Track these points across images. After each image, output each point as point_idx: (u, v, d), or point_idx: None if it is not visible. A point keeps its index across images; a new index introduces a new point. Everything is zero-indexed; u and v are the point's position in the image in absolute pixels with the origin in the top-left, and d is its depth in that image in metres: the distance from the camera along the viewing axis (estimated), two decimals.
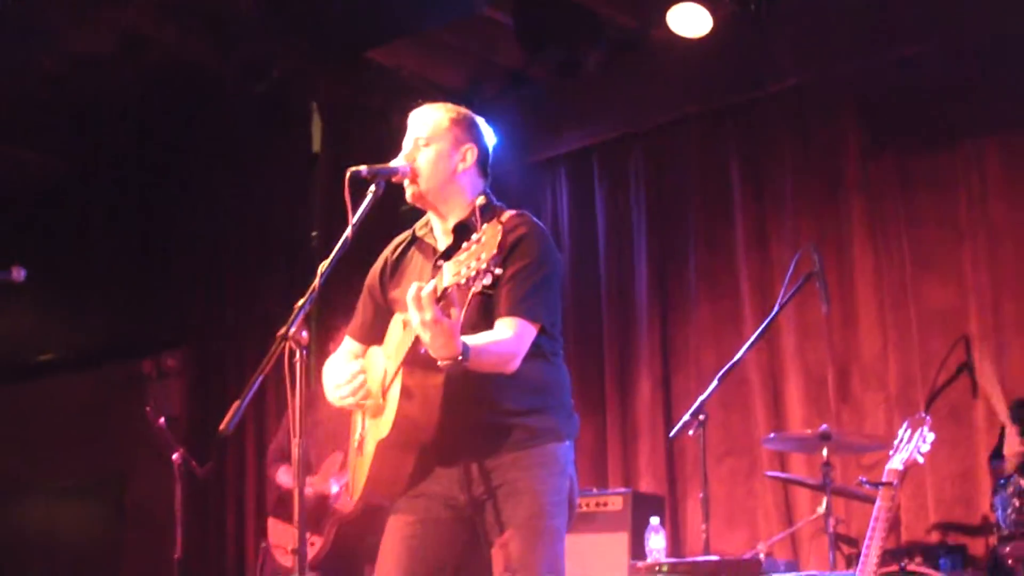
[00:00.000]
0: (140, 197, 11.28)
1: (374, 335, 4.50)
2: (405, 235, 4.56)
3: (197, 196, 10.90)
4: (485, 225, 3.71)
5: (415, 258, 4.46)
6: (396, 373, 4.11)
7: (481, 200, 4.33)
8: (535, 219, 4.37)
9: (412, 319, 3.81)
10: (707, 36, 8.19)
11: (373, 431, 4.24)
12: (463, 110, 4.48)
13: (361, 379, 4.22)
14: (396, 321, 4.28)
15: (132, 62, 9.03)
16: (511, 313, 4.11)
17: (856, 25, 7.99)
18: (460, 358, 3.83)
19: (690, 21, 8.13)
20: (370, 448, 4.24)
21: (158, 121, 10.33)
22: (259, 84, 8.79)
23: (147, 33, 8.76)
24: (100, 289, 11.95)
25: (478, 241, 3.68)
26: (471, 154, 4.39)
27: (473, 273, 3.65)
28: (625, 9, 8.55)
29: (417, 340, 3.92)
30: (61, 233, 11.77)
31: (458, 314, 3.84)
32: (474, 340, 3.95)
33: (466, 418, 4.15)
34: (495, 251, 3.62)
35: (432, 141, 4.35)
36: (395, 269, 4.50)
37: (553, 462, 4.23)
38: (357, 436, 4.40)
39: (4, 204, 11.81)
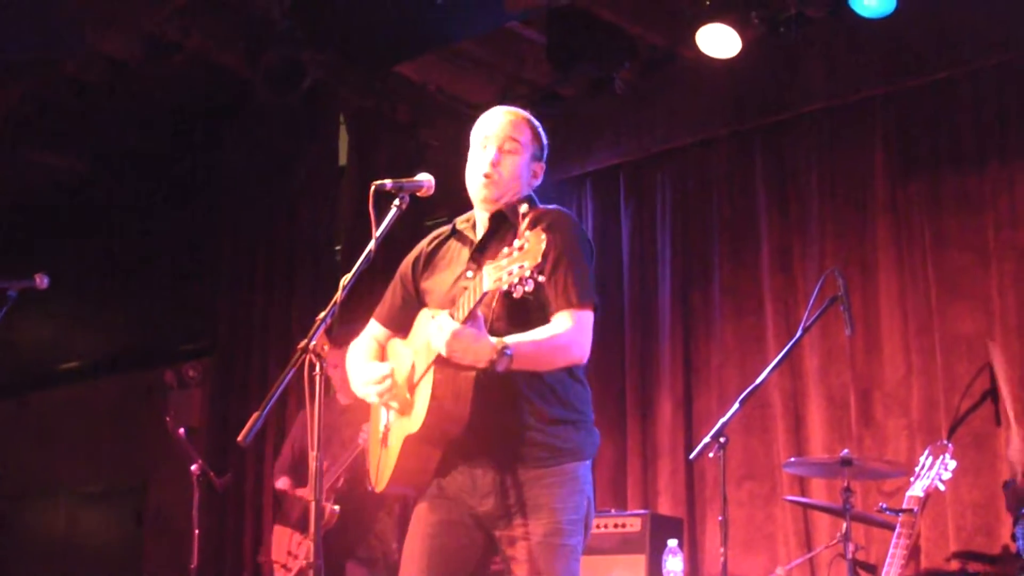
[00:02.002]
0: (164, 206, 11.30)
1: (400, 321, 4.56)
2: (444, 228, 4.58)
3: (222, 206, 10.91)
4: (528, 232, 3.71)
5: (451, 251, 4.49)
6: (428, 370, 4.11)
7: (524, 208, 4.31)
8: (571, 213, 4.43)
9: (436, 343, 3.89)
10: (736, 57, 8.16)
11: (400, 424, 4.26)
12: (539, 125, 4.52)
13: (390, 383, 4.23)
14: (425, 315, 4.30)
15: (158, 68, 9.04)
16: (565, 305, 4.14)
17: (886, 48, 7.97)
18: (502, 352, 3.92)
19: (719, 42, 8.10)
20: (396, 441, 4.26)
21: (184, 129, 10.36)
22: (287, 94, 8.80)
23: (174, 39, 8.78)
24: (123, 298, 12.00)
25: (520, 248, 3.70)
26: (540, 173, 4.48)
27: (516, 280, 3.68)
28: (655, 29, 8.55)
29: None
30: (84, 241, 11.81)
31: (481, 319, 3.92)
32: (519, 338, 4.02)
33: (494, 419, 4.15)
34: (538, 260, 3.64)
35: (518, 151, 4.37)
36: (429, 261, 4.53)
37: (573, 481, 4.24)
38: (382, 428, 4.40)
39: (28, 210, 11.86)
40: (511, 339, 3.98)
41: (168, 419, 7.98)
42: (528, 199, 4.40)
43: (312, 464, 3.80)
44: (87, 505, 12.53)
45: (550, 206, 4.39)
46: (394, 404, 4.26)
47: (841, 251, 8.08)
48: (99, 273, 11.87)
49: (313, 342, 3.82)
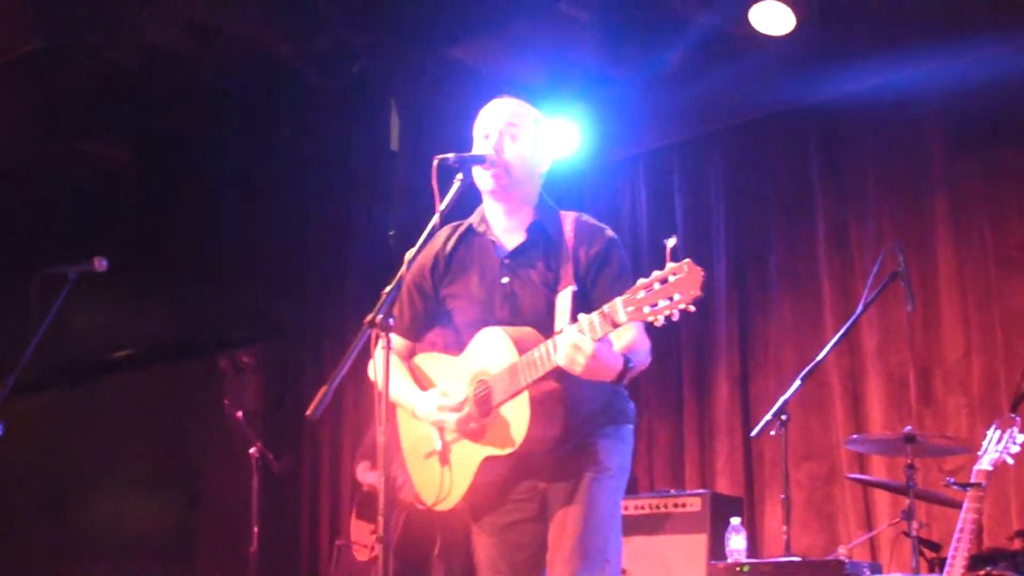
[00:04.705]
0: (217, 192, 11.31)
1: (420, 331, 4.62)
2: (452, 229, 4.57)
3: (275, 191, 10.91)
4: (679, 264, 3.74)
5: (475, 255, 4.49)
6: (517, 393, 4.14)
7: (584, 217, 4.47)
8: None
9: (575, 367, 3.92)
10: (790, 34, 8.10)
11: (470, 444, 4.30)
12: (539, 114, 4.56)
13: (469, 410, 4.26)
14: (491, 334, 4.29)
15: (205, 54, 9.04)
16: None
17: (940, 22, 7.88)
18: (626, 367, 4.04)
19: (772, 19, 8.04)
20: (470, 460, 4.30)
21: (233, 115, 10.35)
22: (338, 79, 8.79)
23: (221, 25, 8.78)
24: (176, 285, 12.03)
25: (663, 280, 3.72)
26: (548, 159, 4.51)
27: (666, 313, 3.73)
28: (707, 7, 8.47)
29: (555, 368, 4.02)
30: (137, 229, 11.83)
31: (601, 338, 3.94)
32: (623, 350, 4.11)
33: (566, 423, 4.22)
34: (698, 294, 3.69)
35: (520, 136, 4.41)
36: (448, 264, 4.52)
37: (620, 435, 4.41)
38: (437, 444, 4.41)
39: (80, 199, 11.89)
40: (627, 352, 4.09)
41: (226, 403, 8.00)
42: (543, 201, 4.48)
43: (379, 438, 3.79)
44: (140, 492, 12.59)
45: (581, 216, 4.47)
46: (472, 426, 4.27)
47: (898, 227, 8.01)
48: (151, 261, 11.88)
49: (380, 316, 3.81)
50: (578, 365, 3.91)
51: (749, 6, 8.03)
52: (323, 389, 3.74)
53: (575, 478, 4.25)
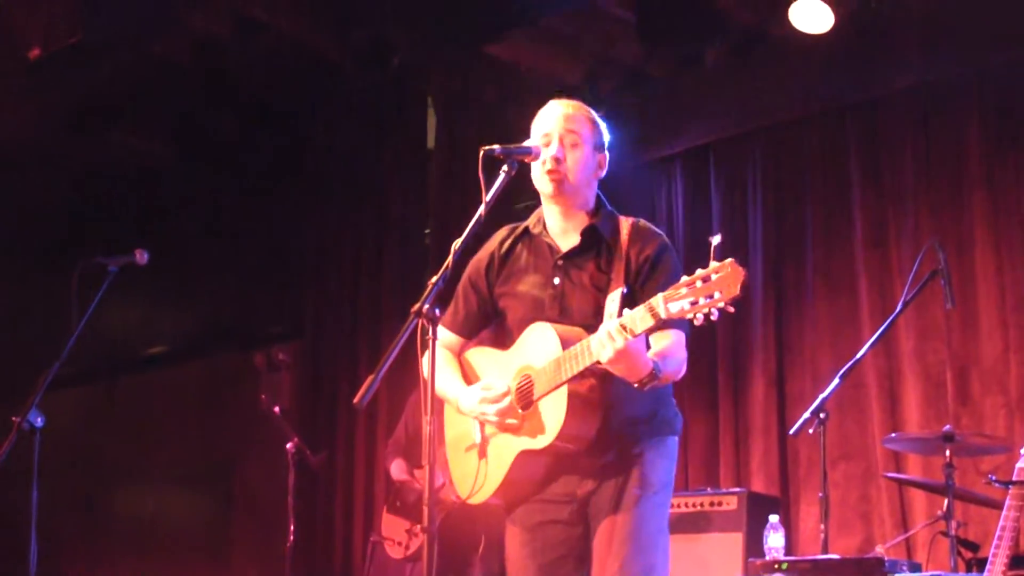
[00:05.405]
0: (252, 188, 11.33)
1: (473, 328, 4.62)
2: (509, 231, 4.57)
3: (310, 189, 10.93)
4: (722, 263, 3.72)
5: (530, 255, 4.48)
6: (555, 388, 4.14)
7: (641, 222, 4.45)
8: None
9: (604, 353, 3.90)
10: (829, 33, 8.10)
11: (508, 438, 4.30)
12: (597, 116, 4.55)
13: (509, 401, 4.26)
14: (539, 330, 4.29)
15: (247, 47, 9.07)
16: (672, 326, 4.16)
17: (979, 22, 7.86)
18: (653, 374, 3.98)
19: (812, 17, 8.06)
20: (505, 454, 4.30)
21: (273, 109, 10.38)
22: (375, 73, 8.81)
23: (263, 18, 8.80)
24: (211, 281, 12.05)
25: (705, 279, 3.72)
26: (605, 163, 4.48)
27: (705, 311, 3.72)
28: (746, 5, 8.48)
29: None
30: (172, 224, 11.86)
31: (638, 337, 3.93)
32: (656, 355, 4.08)
33: (605, 425, 4.21)
34: (738, 294, 3.68)
35: (580, 143, 4.38)
36: (503, 264, 4.52)
37: (665, 449, 4.38)
38: (476, 437, 4.42)
39: (117, 193, 11.92)
40: (657, 359, 4.05)
41: (263, 398, 8.01)
42: (601, 205, 4.46)
43: (425, 429, 3.79)
44: (176, 487, 12.61)
45: (640, 221, 4.45)
46: (510, 421, 4.27)
47: (936, 227, 7.97)
48: (186, 257, 11.92)
49: (426, 306, 3.82)
50: (605, 354, 3.90)
51: (789, 4, 8.03)
52: (370, 378, 3.77)
53: (618, 492, 4.23)
